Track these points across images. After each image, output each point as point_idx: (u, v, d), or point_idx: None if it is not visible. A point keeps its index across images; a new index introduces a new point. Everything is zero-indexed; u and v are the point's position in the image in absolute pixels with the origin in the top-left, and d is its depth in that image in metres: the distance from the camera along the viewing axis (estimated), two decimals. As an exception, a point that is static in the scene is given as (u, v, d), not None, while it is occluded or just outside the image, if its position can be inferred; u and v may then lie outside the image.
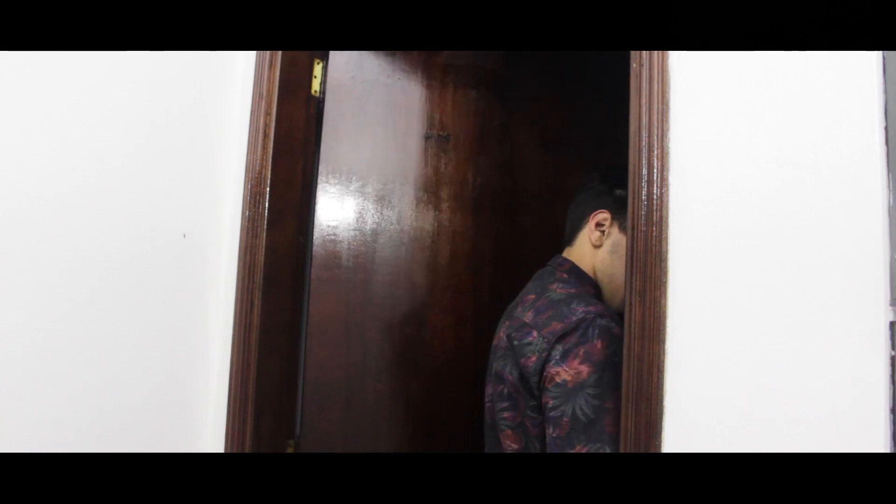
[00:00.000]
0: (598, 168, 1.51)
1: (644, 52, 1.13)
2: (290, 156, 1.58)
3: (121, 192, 1.34)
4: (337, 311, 1.64)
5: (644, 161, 1.11)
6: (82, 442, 1.28)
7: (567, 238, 1.50)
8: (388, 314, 1.70)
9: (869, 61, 0.92)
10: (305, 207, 1.63)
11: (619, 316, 1.25)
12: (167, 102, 1.44)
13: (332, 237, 1.65)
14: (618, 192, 1.41)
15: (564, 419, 1.23)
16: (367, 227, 1.69)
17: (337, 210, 1.66)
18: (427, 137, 1.76)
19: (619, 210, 1.41)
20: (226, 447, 1.49)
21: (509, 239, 1.86)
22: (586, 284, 1.42)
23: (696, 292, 1.05)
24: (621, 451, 1.12)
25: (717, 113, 1.06)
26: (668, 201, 1.09)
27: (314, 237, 1.64)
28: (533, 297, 1.40)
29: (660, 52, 1.12)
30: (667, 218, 1.09)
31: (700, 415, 1.03)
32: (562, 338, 1.27)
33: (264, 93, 1.54)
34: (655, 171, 1.10)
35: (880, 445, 0.87)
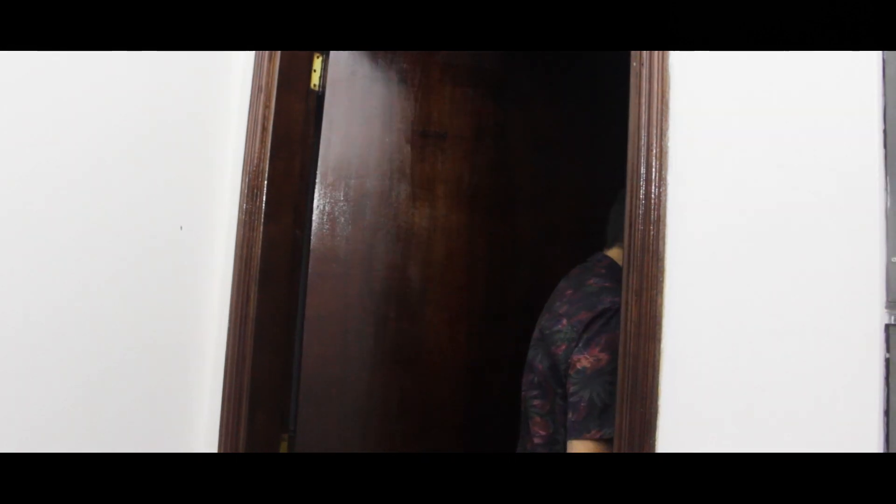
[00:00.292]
0: None
1: (644, 51, 1.13)
2: (288, 150, 1.57)
3: (118, 184, 1.34)
4: (334, 306, 1.64)
5: (643, 160, 1.11)
6: (76, 436, 1.27)
7: (609, 241, 1.48)
8: (383, 309, 1.70)
9: (869, 61, 0.92)
10: (303, 202, 1.63)
11: None
12: (165, 95, 1.43)
13: (330, 232, 1.65)
14: None
15: (582, 404, 1.27)
16: (365, 223, 1.69)
17: (334, 205, 1.66)
18: (424, 135, 1.76)
19: None
20: (219, 440, 1.49)
21: (503, 237, 1.86)
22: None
23: (693, 292, 1.05)
24: (615, 450, 1.12)
25: (717, 113, 1.06)
26: (666, 201, 1.09)
27: (311, 231, 1.64)
28: (570, 291, 1.43)
29: (660, 51, 1.12)
30: (665, 217, 1.09)
31: (695, 414, 1.03)
32: (588, 326, 1.31)
33: (263, 86, 1.54)
34: (654, 170, 1.10)
35: (874, 447, 0.87)
